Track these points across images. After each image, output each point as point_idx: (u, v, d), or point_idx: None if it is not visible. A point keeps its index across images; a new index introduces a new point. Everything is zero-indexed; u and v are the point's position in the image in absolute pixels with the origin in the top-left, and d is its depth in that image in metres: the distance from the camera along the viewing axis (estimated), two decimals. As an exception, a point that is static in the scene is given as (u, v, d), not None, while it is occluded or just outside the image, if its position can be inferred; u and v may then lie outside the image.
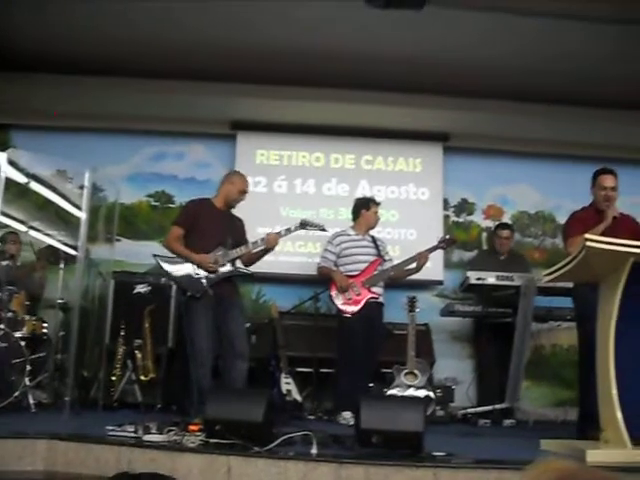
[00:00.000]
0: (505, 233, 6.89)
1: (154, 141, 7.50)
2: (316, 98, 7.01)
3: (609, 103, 7.01)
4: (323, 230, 5.57)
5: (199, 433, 3.66)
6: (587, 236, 3.72)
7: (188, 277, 4.94)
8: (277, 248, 6.88)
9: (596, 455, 3.49)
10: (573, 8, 5.24)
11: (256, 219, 6.88)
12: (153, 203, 7.38)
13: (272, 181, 7.39)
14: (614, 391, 3.70)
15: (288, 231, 5.31)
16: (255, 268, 6.76)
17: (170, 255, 5.09)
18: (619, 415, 3.66)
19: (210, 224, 5.07)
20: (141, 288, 6.24)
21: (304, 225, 5.39)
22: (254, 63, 6.62)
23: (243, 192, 5.32)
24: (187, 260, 4.98)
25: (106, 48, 6.43)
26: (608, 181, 4.91)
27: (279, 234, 5.24)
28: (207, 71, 6.73)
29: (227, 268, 5.06)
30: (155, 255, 5.19)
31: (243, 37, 6.21)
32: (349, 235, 6.04)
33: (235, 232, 5.22)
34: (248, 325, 6.30)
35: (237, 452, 3.36)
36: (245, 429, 3.46)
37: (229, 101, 7.14)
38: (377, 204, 6.14)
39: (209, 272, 4.96)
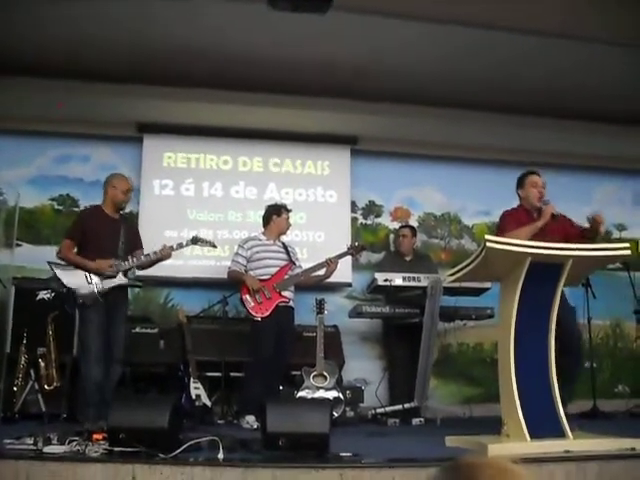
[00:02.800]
0: (404, 231, 7.04)
1: (58, 143, 7.26)
2: (224, 101, 6.95)
3: (510, 108, 7.23)
4: (213, 247, 5.88)
5: (103, 442, 3.58)
6: (487, 237, 3.83)
7: (80, 285, 5.00)
8: (186, 253, 6.94)
9: (497, 449, 3.59)
10: (481, 14, 5.38)
11: (163, 222, 6.81)
12: (57, 207, 7.14)
13: (179, 184, 7.28)
14: (514, 386, 3.83)
15: (180, 246, 5.46)
16: (163, 272, 6.75)
17: (63, 263, 5.13)
18: (519, 410, 3.78)
19: (100, 232, 5.16)
20: (44, 294, 6.03)
21: (195, 241, 5.61)
22: (161, 64, 6.51)
23: (128, 191, 5.42)
24: (84, 268, 5.03)
25: (7, 47, 6.20)
26: (539, 180, 5.13)
27: (172, 248, 5.36)
28: (112, 72, 6.57)
29: (118, 279, 5.14)
30: (49, 262, 5.16)
31: (149, 38, 6.10)
32: (260, 240, 6.03)
33: (128, 236, 5.32)
34: (156, 330, 6.25)
35: (141, 460, 3.29)
36: (150, 436, 3.40)
37: (135, 103, 6.98)
38: (288, 211, 6.17)
39: (107, 276, 5.05)
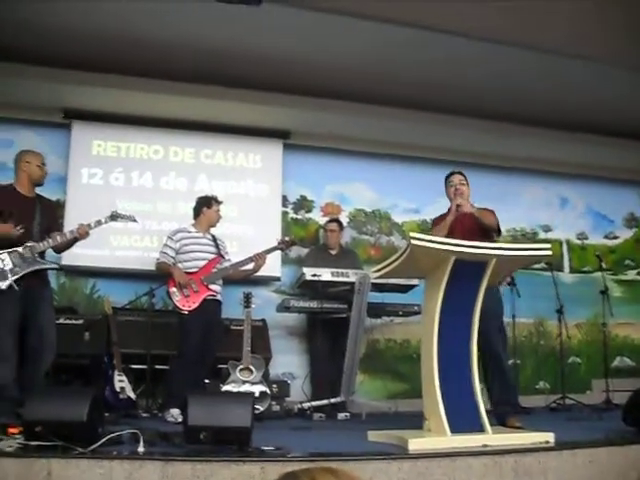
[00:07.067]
0: (331, 226, 7.13)
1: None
2: (157, 90, 6.86)
3: (440, 108, 7.34)
4: (134, 221, 5.57)
5: (18, 436, 3.49)
6: (412, 234, 3.86)
7: None
8: (114, 243, 6.82)
9: (418, 443, 3.64)
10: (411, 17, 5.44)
11: (91, 212, 6.64)
12: (-22, 191, 6.91)
13: (109, 173, 7.15)
14: (436, 382, 3.87)
15: (98, 223, 5.17)
16: (90, 262, 6.63)
17: None
18: (440, 405, 3.83)
19: (13, 212, 4.86)
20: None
21: (114, 217, 5.33)
22: (92, 50, 6.36)
23: (44, 164, 5.16)
24: None
25: None
26: (455, 179, 5.27)
27: (89, 226, 5.10)
28: (40, 55, 6.38)
29: (34, 261, 4.84)
30: None
31: (80, 23, 5.95)
32: (189, 232, 5.97)
33: (44, 217, 5.05)
34: (81, 321, 6.13)
35: (58, 454, 3.21)
36: (68, 429, 3.32)
37: (63, 88, 6.78)
38: (219, 203, 6.11)
39: (16, 263, 4.73)
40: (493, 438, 3.76)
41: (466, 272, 3.96)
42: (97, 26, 6.00)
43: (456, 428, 3.80)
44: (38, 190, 5.17)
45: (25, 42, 6.24)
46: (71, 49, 6.35)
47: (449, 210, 5.19)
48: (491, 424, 3.97)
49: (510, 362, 7.13)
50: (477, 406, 3.97)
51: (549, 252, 4.20)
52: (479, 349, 4.20)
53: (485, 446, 3.63)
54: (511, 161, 8.29)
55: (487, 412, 4.02)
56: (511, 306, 6.88)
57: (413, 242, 3.79)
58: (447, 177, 5.35)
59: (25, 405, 3.50)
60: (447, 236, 4.63)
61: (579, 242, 8.76)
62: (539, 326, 8.16)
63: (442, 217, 5.23)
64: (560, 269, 8.36)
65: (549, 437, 3.81)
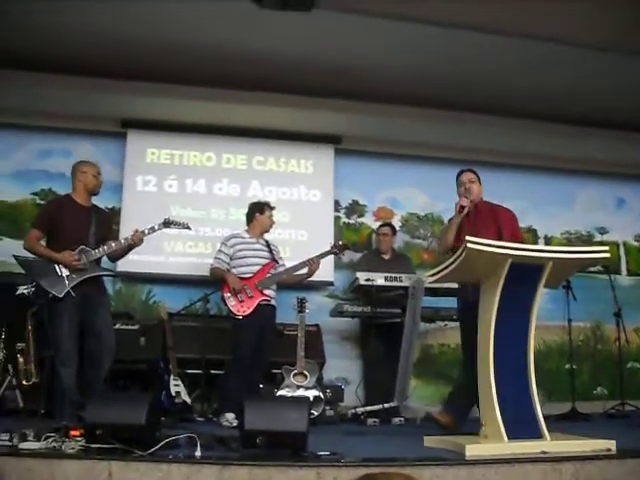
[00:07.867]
0: (384, 230, 7.12)
1: (40, 137, 7.21)
2: (209, 98, 6.94)
3: (495, 110, 7.27)
4: (187, 228, 5.58)
5: (80, 438, 3.55)
6: (468, 238, 3.83)
7: (51, 277, 4.81)
8: (168, 249, 6.91)
9: (475, 449, 3.60)
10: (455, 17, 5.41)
11: (145, 219, 6.75)
12: (39, 201, 7.07)
13: (162, 180, 7.27)
14: (493, 388, 3.83)
15: (152, 230, 5.23)
16: (145, 268, 6.72)
17: (32, 256, 4.95)
18: (497, 411, 3.79)
19: (70, 222, 4.98)
20: (24, 289, 5.95)
21: (167, 224, 5.38)
22: (146, 61, 6.49)
23: (99, 174, 5.25)
24: (50, 260, 4.86)
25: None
26: (464, 177, 5.23)
27: (143, 233, 5.15)
28: (97, 67, 6.53)
29: (90, 268, 4.95)
30: (15, 256, 5.00)
31: (135, 34, 6.08)
32: (243, 238, 6.02)
33: (99, 226, 5.13)
34: (137, 327, 6.23)
35: (118, 457, 3.28)
36: (127, 433, 3.39)
37: (119, 98, 6.93)
38: (272, 208, 6.14)
39: (73, 270, 4.85)
40: (551, 445, 3.70)
41: (522, 276, 3.91)
42: (152, 37, 6.12)
43: (513, 434, 3.75)
44: (94, 200, 5.27)
45: (83, 55, 6.38)
46: (126, 60, 6.48)
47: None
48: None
49: (566, 366, 7.05)
50: (535, 412, 3.92)
51: (607, 254, 4.12)
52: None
53: (543, 453, 3.57)
54: (565, 163, 8.15)
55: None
56: (567, 309, 6.76)
57: (469, 246, 3.76)
58: (458, 175, 5.29)
59: (86, 409, 3.58)
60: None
61: (637, 244, 8.58)
62: (596, 330, 8.00)
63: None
64: (617, 272, 8.20)
65: (611, 444, 3.72)
